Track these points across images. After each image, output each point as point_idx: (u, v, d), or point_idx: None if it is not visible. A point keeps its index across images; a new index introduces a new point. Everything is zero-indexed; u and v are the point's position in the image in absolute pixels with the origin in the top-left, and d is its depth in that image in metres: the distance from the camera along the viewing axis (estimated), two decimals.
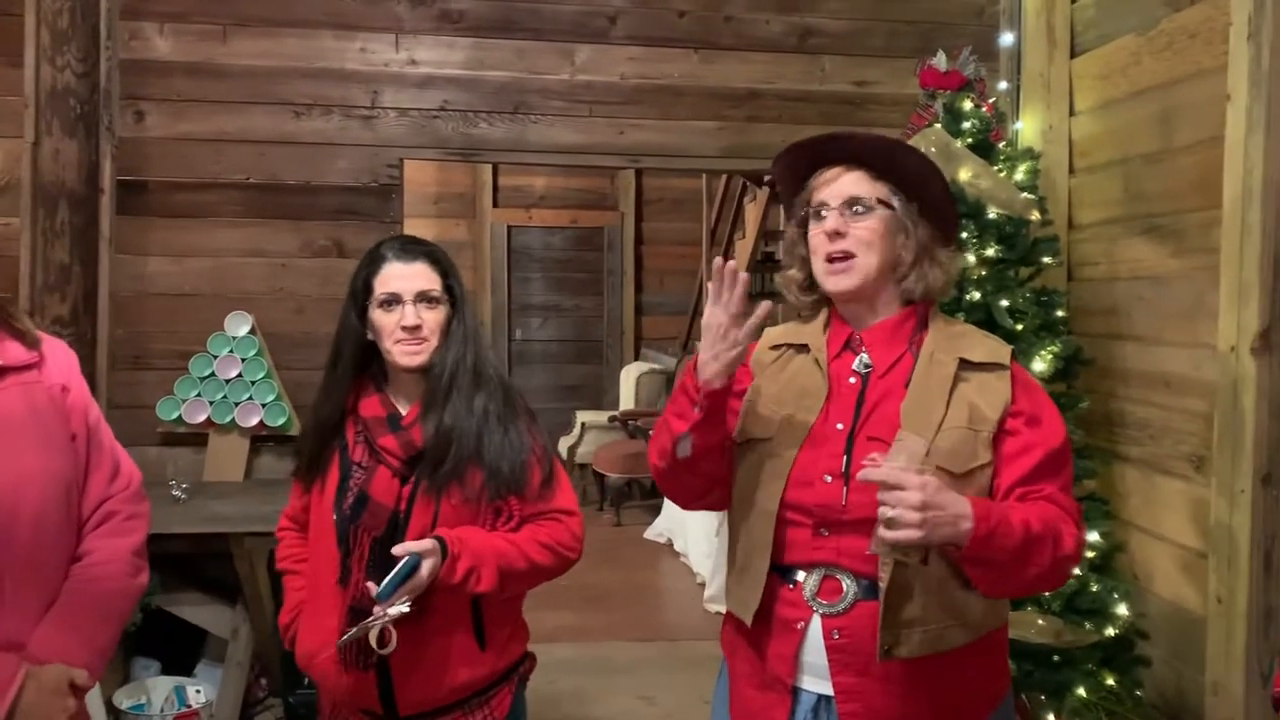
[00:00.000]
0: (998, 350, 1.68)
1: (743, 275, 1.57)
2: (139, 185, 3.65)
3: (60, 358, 1.69)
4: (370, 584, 1.68)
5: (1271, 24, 2.52)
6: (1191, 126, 2.99)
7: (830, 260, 1.67)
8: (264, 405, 3.55)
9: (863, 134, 1.72)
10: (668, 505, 5.96)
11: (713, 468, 1.69)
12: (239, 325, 3.61)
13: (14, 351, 1.61)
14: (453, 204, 8.30)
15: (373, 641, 1.71)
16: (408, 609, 1.68)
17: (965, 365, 1.64)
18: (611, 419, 6.89)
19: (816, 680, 1.63)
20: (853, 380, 1.67)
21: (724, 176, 7.51)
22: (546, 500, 1.87)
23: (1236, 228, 2.64)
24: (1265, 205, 2.54)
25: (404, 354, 1.80)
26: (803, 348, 1.74)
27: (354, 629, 1.71)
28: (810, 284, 1.75)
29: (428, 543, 1.71)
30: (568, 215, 8.59)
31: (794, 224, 1.75)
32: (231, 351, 3.58)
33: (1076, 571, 2.78)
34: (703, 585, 4.91)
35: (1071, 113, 3.58)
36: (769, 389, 1.73)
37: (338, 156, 3.74)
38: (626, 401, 7.24)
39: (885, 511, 1.44)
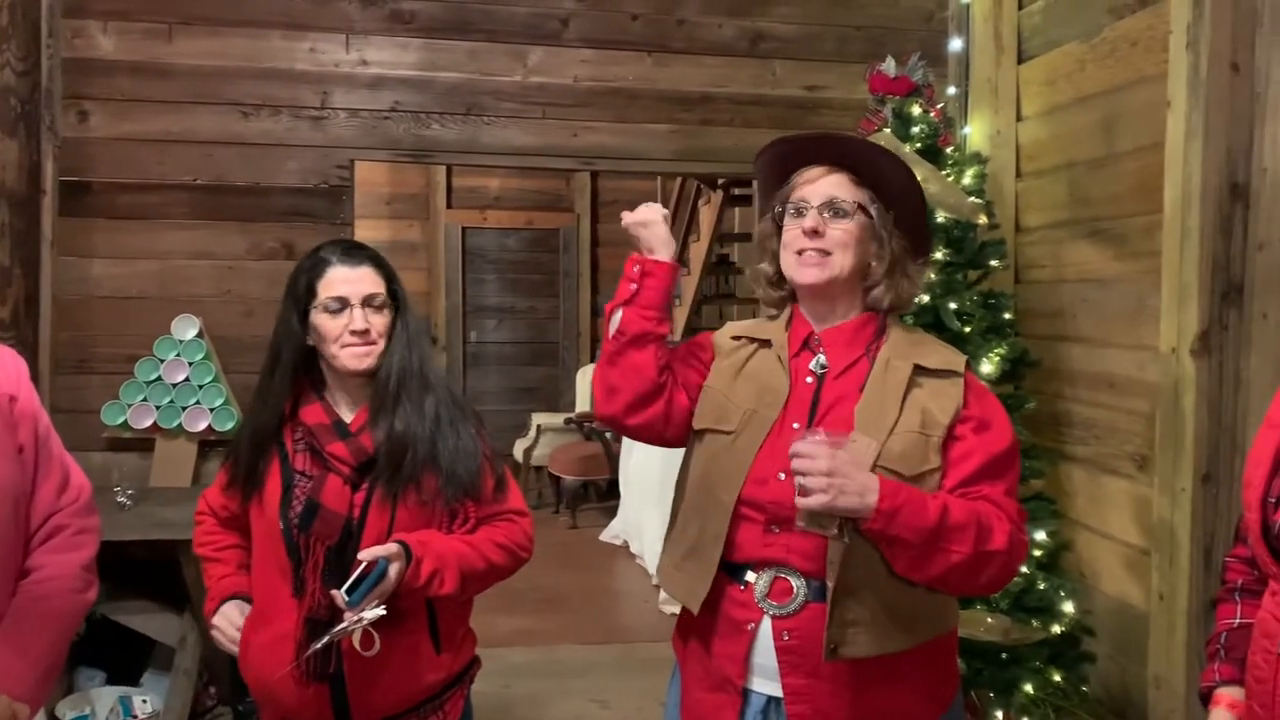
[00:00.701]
0: (953, 359, 1.71)
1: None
2: (82, 186, 3.58)
3: (8, 366, 1.64)
4: (335, 592, 1.66)
5: (1209, 33, 2.58)
6: (1134, 132, 3.05)
7: (801, 253, 1.69)
8: (212, 410, 3.50)
9: (851, 138, 1.75)
10: (624, 507, 5.95)
11: (643, 360, 1.71)
12: (186, 328, 3.56)
13: None
14: (406, 205, 8.23)
15: (356, 645, 1.69)
16: (383, 611, 1.67)
17: (920, 371, 1.66)
18: (567, 421, 6.88)
19: (766, 682, 1.64)
20: (809, 380, 1.69)
21: (678, 179, 7.53)
22: (500, 502, 1.88)
23: (1177, 232, 2.70)
24: (1204, 210, 2.60)
25: (352, 357, 1.79)
26: (765, 343, 1.76)
27: (326, 637, 1.68)
28: (780, 279, 1.77)
29: (392, 546, 1.70)
30: (523, 217, 8.56)
31: (769, 218, 1.77)
32: (179, 355, 3.53)
33: (1024, 570, 2.82)
34: (658, 588, 4.91)
35: (1019, 118, 3.64)
36: (728, 380, 1.75)
37: (287, 158, 3.69)
38: (583, 403, 7.23)
39: (798, 480, 1.50)
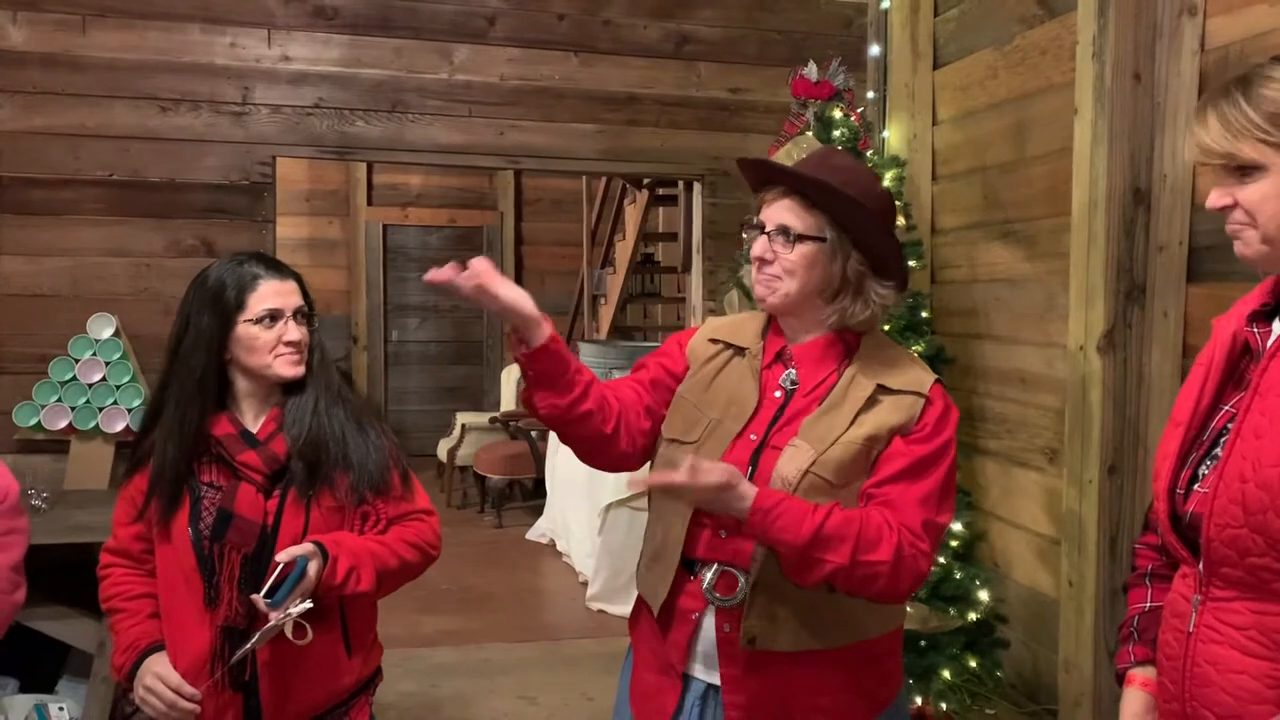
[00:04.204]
0: (920, 379, 1.70)
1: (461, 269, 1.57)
2: None
3: None
4: (255, 596, 1.66)
5: (1113, 44, 2.70)
6: (1043, 138, 3.17)
7: (758, 273, 1.72)
8: (130, 410, 3.43)
9: (797, 172, 1.72)
10: (550, 506, 5.96)
11: (580, 431, 1.71)
12: (102, 327, 3.47)
13: None
14: (325, 202, 8.12)
15: (289, 635, 1.68)
16: (310, 604, 1.67)
17: (882, 390, 1.67)
18: (493, 420, 6.85)
19: (706, 670, 1.70)
20: (778, 394, 1.72)
21: (604, 178, 7.56)
22: (409, 501, 1.91)
23: (1084, 234, 2.81)
24: (1109, 213, 2.72)
25: (287, 365, 1.81)
26: (740, 350, 1.78)
27: (254, 639, 1.68)
28: None
29: (308, 546, 1.71)
30: (445, 214, 8.50)
31: (747, 228, 1.78)
32: (95, 354, 3.44)
33: (941, 560, 2.92)
34: (585, 584, 4.93)
35: (934, 122, 3.74)
36: (701, 391, 1.77)
37: (206, 153, 3.63)
38: (508, 403, 7.21)
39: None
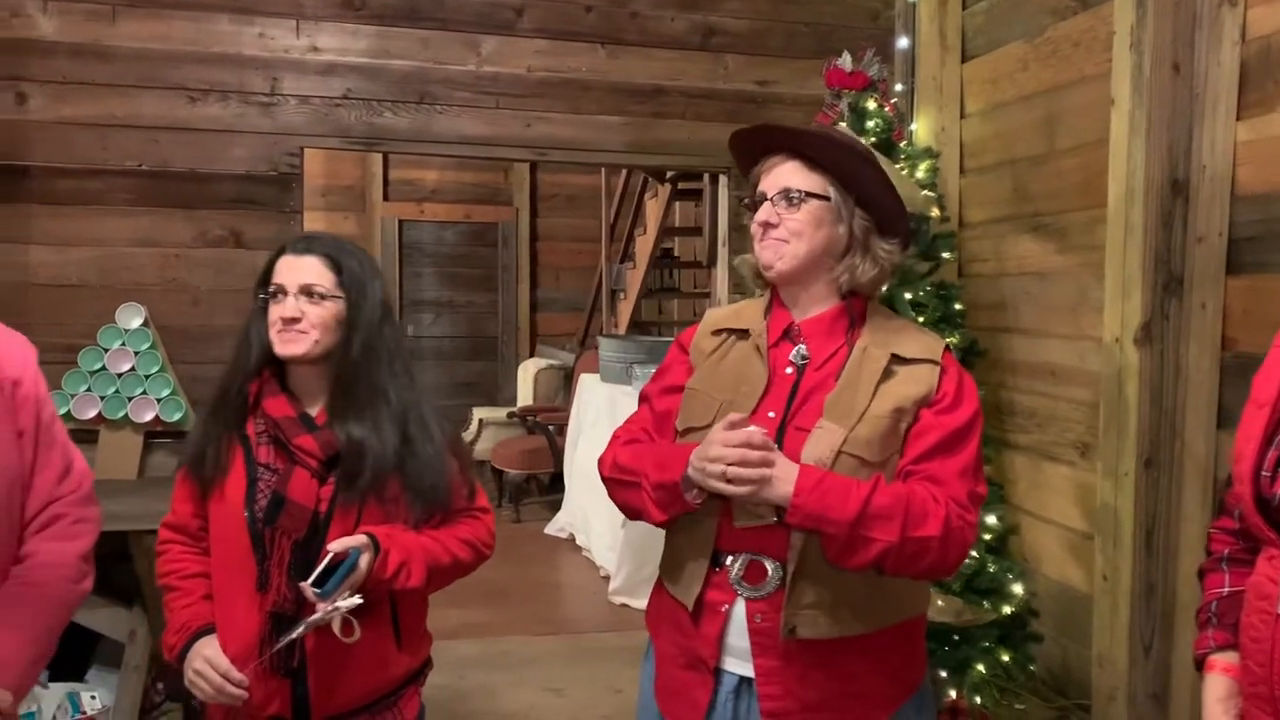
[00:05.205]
0: (931, 345, 1.71)
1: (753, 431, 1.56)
2: (19, 170, 3.48)
3: (15, 351, 1.61)
4: (304, 584, 1.65)
5: (1152, 35, 2.68)
6: (1075, 130, 3.15)
7: (762, 240, 1.72)
8: (159, 400, 3.43)
9: (798, 129, 1.74)
10: (569, 500, 5.95)
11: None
12: (131, 317, 3.47)
13: None
14: (341, 197, 8.12)
15: (337, 632, 1.67)
16: (359, 600, 1.66)
17: (896, 360, 1.67)
18: (510, 415, 6.85)
19: (738, 662, 1.67)
20: (789, 370, 1.70)
21: (624, 172, 7.54)
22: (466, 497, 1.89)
23: (1120, 226, 2.79)
24: (1147, 205, 2.70)
25: (280, 342, 1.77)
26: (743, 333, 1.77)
27: (301, 628, 1.67)
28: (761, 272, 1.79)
29: (361, 538, 1.69)
30: (461, 210, 8.49)
31: (748, 209, 1.78)
32: (124, 345, 3.44)
33: (974, 554, 2.90)
34: (606, 579, 4.93)
35: (962, 115, 3.73)
36: (710, 377, 1.76)
37: (235, 144, 3.63)
38: (525, 397, 7.20)
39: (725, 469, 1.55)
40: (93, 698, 2.94)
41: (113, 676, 3.08)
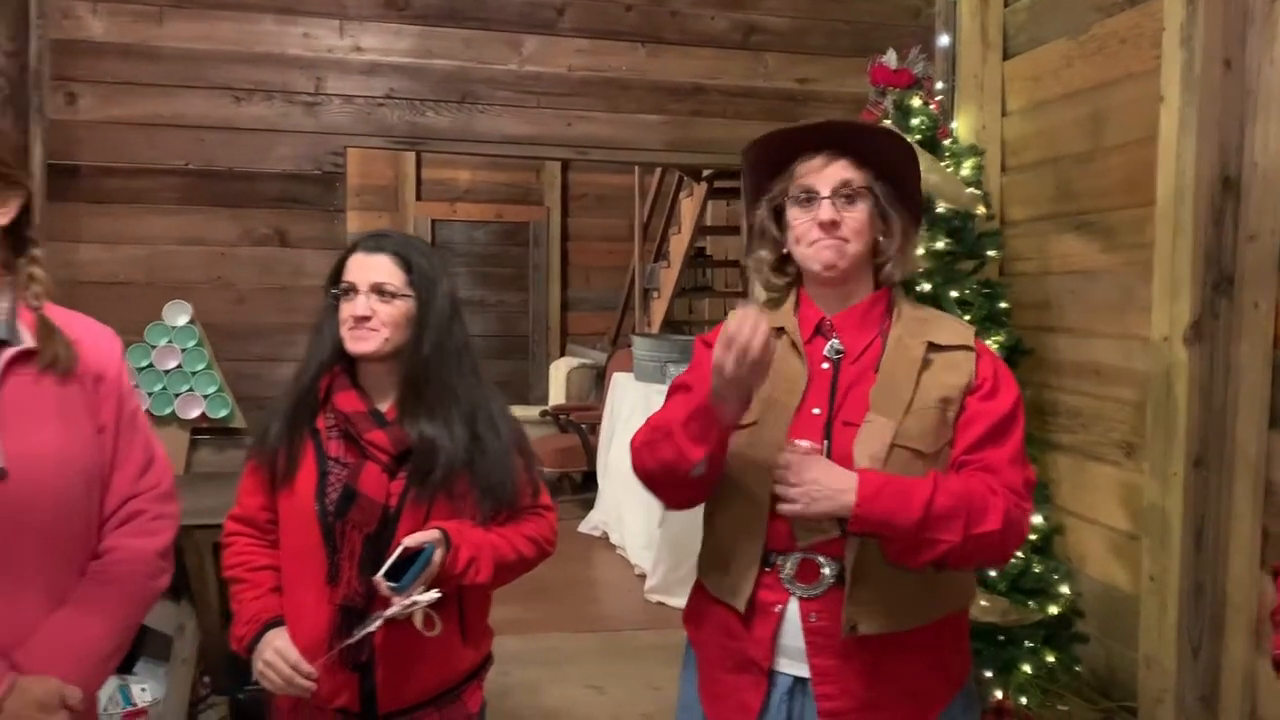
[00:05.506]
0: (963, 332, 1.73)
1: (762, 327, 1.51)
2: (70, 169, 3.53)
3: (102, 345, 1.62)
4: (378, 578, 1.66)
5: (1202, 31, 2.65)
6: (1122, 127, 3.12)
7: (815, 243, 1.69)
8: (206, 397, 3.47)
9: (853, 122, 1.76)
10: (602, 498, 5.97)
11: (715, 476, 1.68)
12: (178, 315, 3.52)
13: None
14: (375, 196, 8.17)
15: (418, 626, 1.69)
16: (438, 595, 1.67)
17: (932, 348, 1.68)
18: (543, 413, 6.87)
19: (792, 663, 1.66)
20: (825, 365, 1.70)
21: (657, 171, 7.55)
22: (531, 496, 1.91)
23: (1169, 224, 2.76)
24: (1197, 203, 2.67)
25: (352, 340, 1.79)
26: (778, 331, 1.75)
27: (379, 621, 1.68)
28: (782, 266, 1.78)
29: (435, 533, 1.71)
30: (493, 210, 8.54)
31: (764, 207, 1.76)
32: (170, 341, 3.49)
33: (1019, 554, 2.89)
34: (641, 577, 4.94)
35: (1003, 113, 3.71)
36: None
37: (279, 143, 3.67)
38: (557, 396, 7.23)
39: (775, 488, 1.57)
40: (143, 690, 2.98)
41: (159, 669, 3.12)
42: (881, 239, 1.71)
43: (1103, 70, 3.22)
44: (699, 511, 1.81)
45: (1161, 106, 2.81)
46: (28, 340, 1.52)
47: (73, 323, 1.61)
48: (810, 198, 1.70)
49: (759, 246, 1.80)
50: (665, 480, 1.67)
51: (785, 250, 1.76)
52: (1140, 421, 2.95)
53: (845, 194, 1.69)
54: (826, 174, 1.69)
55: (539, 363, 8.41)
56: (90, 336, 1.62)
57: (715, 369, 1.52)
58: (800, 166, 1.71)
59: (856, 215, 1.69)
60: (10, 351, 1.50)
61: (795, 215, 1.71)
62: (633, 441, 1.73)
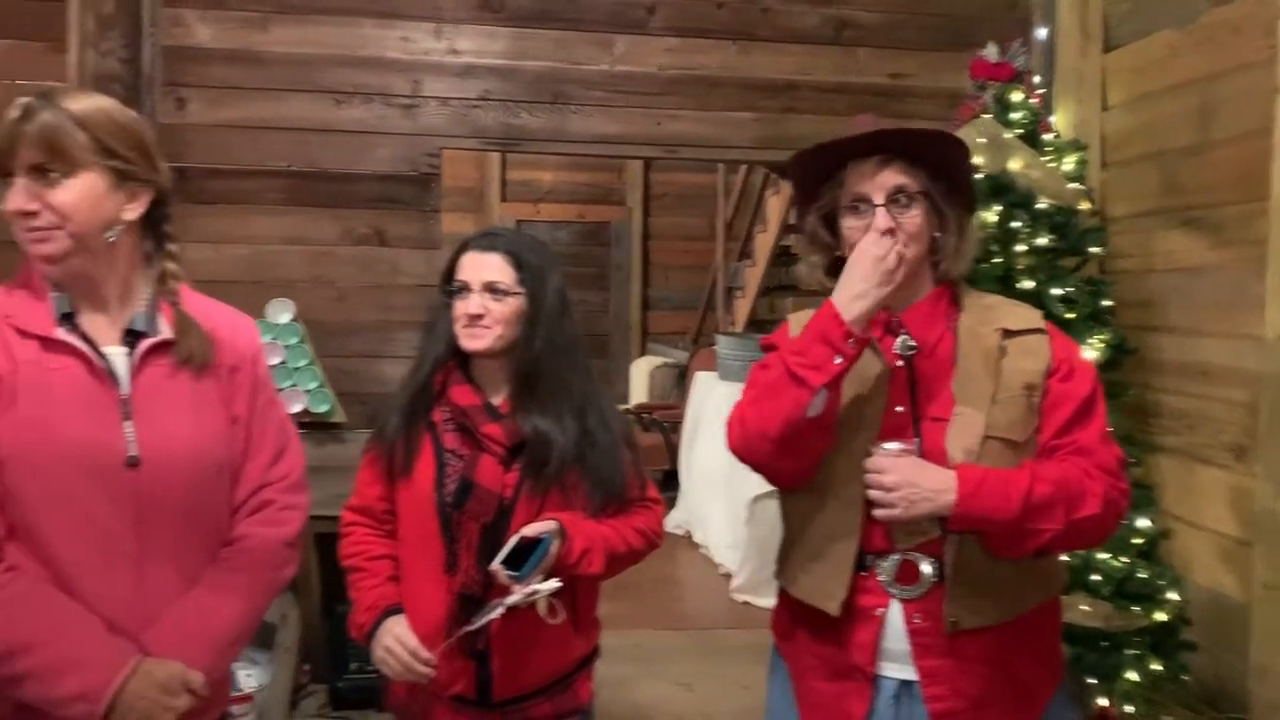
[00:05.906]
0: (1031, 316, 1.73)
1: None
2: (177, 172, 3.60)
3: (239, 334, 1.66)
4: (497, 567, 1.69)
5: None
6: (1233, 120, 3.03)
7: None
8: (308, 392, 3.56)
9: (898, 128, 1.70)
10: (685, 498, 5.97)
11: (830, 432, 1.65)
12: (281, 312, 3.62)
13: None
14: (460, 198, 8.29)
15: (542, 614, 1.72)
16: (559, 584, 1.70)
17: (1006, 335, 1.67)
18: (627, 412, 6.91)
19: (897, 666, 1.64)
20: (899, 363, 1.68)
21: (741, 170, 7.54)
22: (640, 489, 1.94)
23: None
24: None
25: (466, 337, 1.83)
26: None
27: (500, 609, 1.70)
28: (834, 269, 1.72)
29: (552, 524, 1.74)
30: (575, 210, 8.61)
31: (815, 213, 1.74)
32: (274, 339, 3.58)
33: (1124, 559, 2.82)
34: (726, 576, 4.93)
35: (1104, 107, 3.62)
36: None
37: (378, 145, 3.74)
38: (638, 395, 7.26)
39: (870, 494, 1.57)
40: (248, 675, 3.06)
41: (259, 656, 3.20)
42: (938, 235, 1.70)
43: (1212, 61, 3.13)
44: None
45: (1276, 98, 2.72)
46: (165, 332, 1.57)
47: (212, 311, 1.66)
48: (864, 205, 1.67)
49: (810, 251, 1.79)
50: (779, 438, 1.60)
51: (839, 254, 1.72)
52: (1251, 423, 2.86)
53: (900, 201, 1.66)
54: (879, 180, 1.66)
55: (619, 362, 8.45)
56: (228, 324, 1.66)
57: (860, 258, 1.58)
58: (851, 174, 1.68)
59: (912, 218, 1.66)
60: (148, 342, 1.55)
61: (849, 223, 1.69)
62: (732, 417, 1.69)
